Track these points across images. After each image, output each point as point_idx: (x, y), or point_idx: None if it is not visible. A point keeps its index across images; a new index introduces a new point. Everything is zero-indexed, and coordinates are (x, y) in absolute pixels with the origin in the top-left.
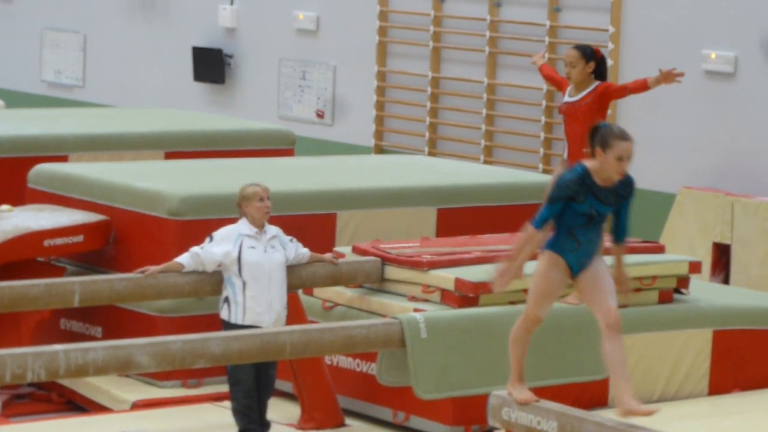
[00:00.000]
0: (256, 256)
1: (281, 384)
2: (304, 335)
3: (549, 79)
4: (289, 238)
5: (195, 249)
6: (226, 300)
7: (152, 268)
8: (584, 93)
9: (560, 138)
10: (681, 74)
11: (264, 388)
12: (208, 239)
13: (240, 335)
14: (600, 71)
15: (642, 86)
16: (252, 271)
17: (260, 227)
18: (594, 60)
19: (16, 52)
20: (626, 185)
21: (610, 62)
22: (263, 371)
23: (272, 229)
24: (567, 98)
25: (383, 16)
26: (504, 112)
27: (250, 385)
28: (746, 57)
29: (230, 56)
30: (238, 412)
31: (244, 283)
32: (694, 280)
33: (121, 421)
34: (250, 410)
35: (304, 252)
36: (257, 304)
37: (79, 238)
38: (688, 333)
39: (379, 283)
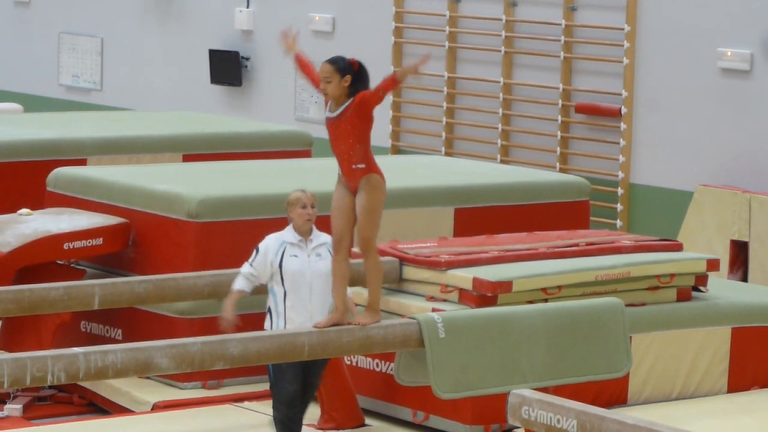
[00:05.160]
0: (298, 265)
1: None
2: (322, 336)
3: (306, 72)
4: None
5: (246, 269)
6: (269, 310)
7: (225, 310)
8: (343, 108)
9: (578, 137)
10: (426, 60)
11: (308, 396)
12: (254, 252)
13: (258, 336)
14: (357, 84)
15: (391, 82)
16: (293, 279)
17: (305, 234)
18: (350, 73)
19: (33, 56)
20: None
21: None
22: (309, 381)
23: (321, 237)
24: (328, 113)
25: (399, 17)
26: (520, 112)
27: (293, 395)
28: (762, 54)
29: (247, 59)
30: (278, 422)
31: (285, 292)
32: (713, 278)
33: (142, 423)
34: (292, 422)
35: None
36: (297, 314)
37: (99, 241)
38: (706, 331)
39: (397, 284)
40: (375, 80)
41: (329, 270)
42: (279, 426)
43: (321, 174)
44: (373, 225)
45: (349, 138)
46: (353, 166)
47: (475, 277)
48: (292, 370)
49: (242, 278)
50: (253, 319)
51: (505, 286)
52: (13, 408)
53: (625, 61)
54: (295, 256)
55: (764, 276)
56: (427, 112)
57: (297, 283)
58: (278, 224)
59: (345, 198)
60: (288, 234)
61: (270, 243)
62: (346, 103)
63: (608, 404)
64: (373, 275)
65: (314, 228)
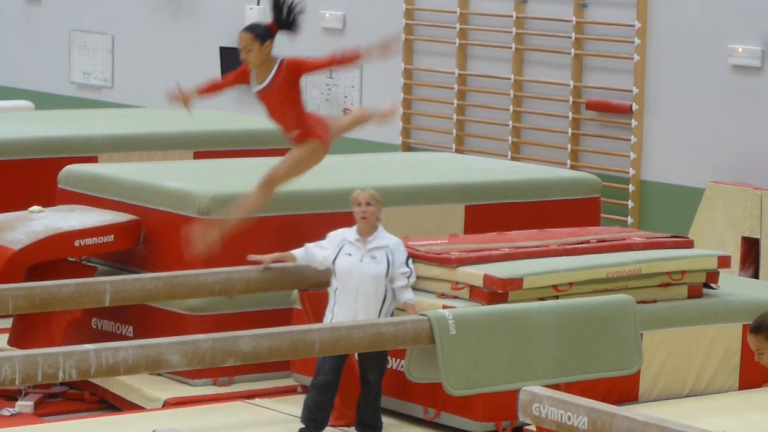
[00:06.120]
0: (348, 264)
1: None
2: (333, 333)
3: (229, 84)
4: (407, 258)
5: (309, 244)
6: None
7: (266, 257)
8: (271, 77)
9: (588, 134)
10: (391, 44)
11: (362, 392)
12: (325, 237)
13: (269, 333)
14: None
15: (329, 63)
16: (342, 277)
17: (363, 234)
18: (270, 38)
19: (44, 54)
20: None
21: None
22: (364, 377)
23: (383, 240)
24: (255, 86)
25: (409, 14)
26: (531, 109)
27: (326, 383)
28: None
29: None
30: (306, 404)
31: (336, 289)
32: (724, 275)
33: (153, 420)
34: (317, 408)
35: (407, 297)
36: (342, 311)
37: (110, 238)
38: (717, 327)
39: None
40: (389, 79)
41: (380, 273)
42: (305, 410)
43: (330, 171)
44: (286, 172)
45: (282, 106)
46: (290, 134)
47: (485, 274)
48: (333, 362)
49: (303, 249)
50: (260, 317)
51: (516, 283)
52: (25, 405)
53: (636, 57)
54: (349, 254)
55: None
56: (438, 109)
57: (345, 282)
58: (289, 221)
59: None
60: (351, 232)
61: (334, 236)
62: (273, 72)
63: (619, 401)
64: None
65: (381, 229)
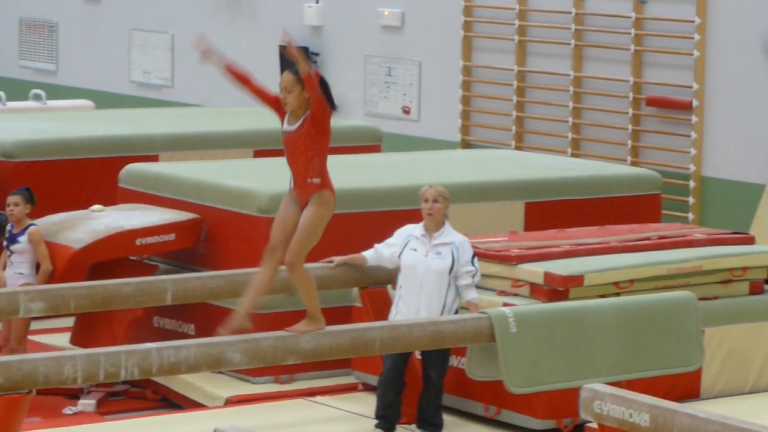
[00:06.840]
0: (413, 259)
1: (372, 378)
2: (393, 331)
3: (245, 84)
4: (472, 257)
5: (377, 244)
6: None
7: (338, 259)
8: (301, 121)
9: (649, 130)
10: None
11: (424, 390)
12: (393, 235)
13: (330, 331)
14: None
15: (309, 83)
16: (406, 272)
17: (429, 230)
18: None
19: (104, 53)
20: None
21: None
22: (426, 373)
23: (449, 237)
24: (286, 126)
25: (468, 11)
26: (591, 105)
27: (386, 379)
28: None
29: (316, 54)
30: (376, 400)
31: (401, 284)
32: None
33: (214, 418)
34: (383, 405)
35: (471, 296)
36: (405, 306)
37: (171, 237)
38: None
39: None
40: (448, 76)
41: (444, 269)
42: (376, 405)
43: (390, 168)
44: (308, 240)
45: (308, 151)
46: (308, 180)
47: (546, 272)
48: (394, 358)
49: (372, 250)
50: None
51: (577, 280)
52: (87, 403)
53: (696, 53)
54: (414, 250)
55: None
56: (497, 106)
57: (409, 277)
58: (350, 219)
59: (291, 211)
60: (417, 228)
61: (401, 233)
62: (304, 116)
63: (681, 398)
64: (303, 288)
65: (447, 226)
